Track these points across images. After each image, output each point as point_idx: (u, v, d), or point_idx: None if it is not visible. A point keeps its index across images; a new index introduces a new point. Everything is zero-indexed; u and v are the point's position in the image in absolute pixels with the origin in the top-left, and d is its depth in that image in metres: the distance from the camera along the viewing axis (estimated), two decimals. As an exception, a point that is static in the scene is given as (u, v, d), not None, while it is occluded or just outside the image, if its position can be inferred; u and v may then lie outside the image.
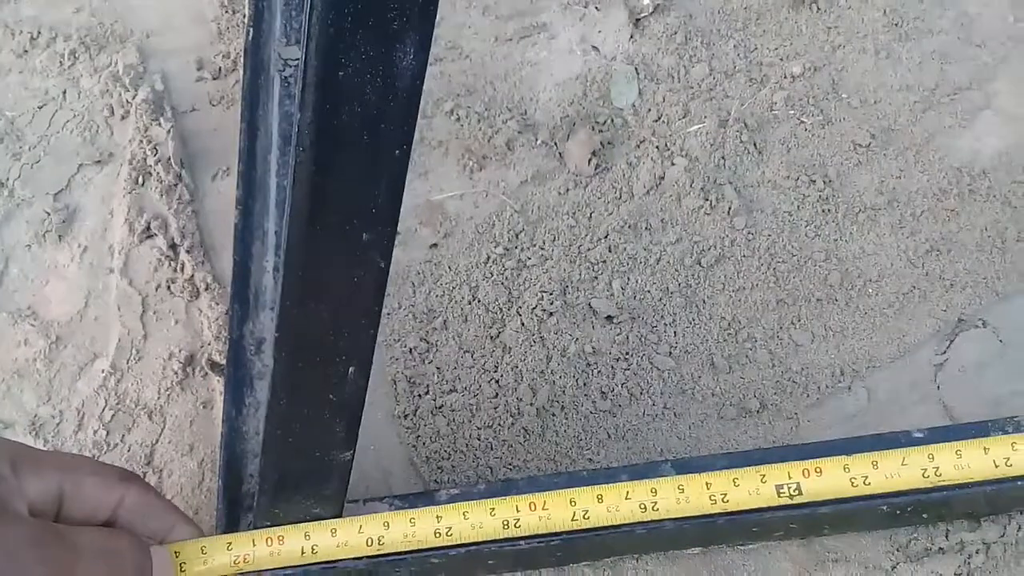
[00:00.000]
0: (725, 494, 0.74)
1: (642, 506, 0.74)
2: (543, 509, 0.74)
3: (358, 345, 0.60)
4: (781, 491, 0.74)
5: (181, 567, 0.70)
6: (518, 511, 0.74)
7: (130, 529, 0.68)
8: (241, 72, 1.12)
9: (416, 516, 0.74)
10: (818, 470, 0.75)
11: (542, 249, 0.99)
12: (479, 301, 0.95)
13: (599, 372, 0.92)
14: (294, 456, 0.68)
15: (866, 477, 0.74)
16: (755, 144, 1.06)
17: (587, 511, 0.74)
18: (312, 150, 0.47)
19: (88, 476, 0.66)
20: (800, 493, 0.74)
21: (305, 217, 0.50)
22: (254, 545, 0.72)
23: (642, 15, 1.17)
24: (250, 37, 1.13)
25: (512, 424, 0.88)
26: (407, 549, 0.74)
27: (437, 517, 0.73)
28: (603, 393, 0.90)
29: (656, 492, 0.74)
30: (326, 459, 0.69)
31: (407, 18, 0.44)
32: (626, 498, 0.74)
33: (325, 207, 0.50)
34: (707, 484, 0.75)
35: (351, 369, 0.61)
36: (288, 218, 0.51)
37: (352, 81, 0.44)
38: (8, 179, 1.04)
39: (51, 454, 0.68)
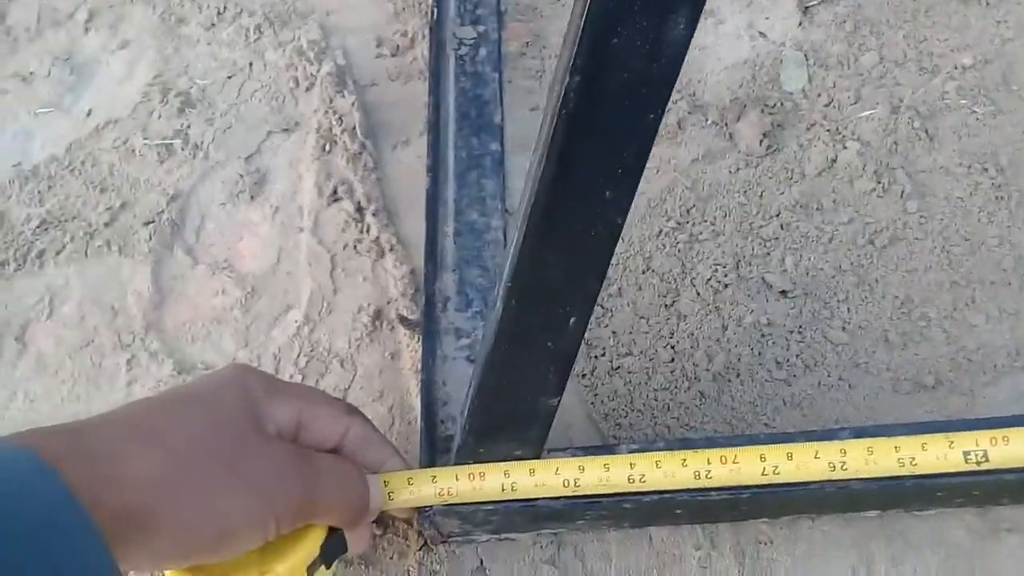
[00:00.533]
0: (913, 458, 0.75)
1: (831, 465, 0.75)
2: (734, 462, 0.76)
3: (583, 296, 0.63)
4: (968, 457, 0.75)
5: (390, 495, 0.74)
6: (709, 463, 0.76)
7: (351, 458, 0.72)
8: (423, 51, 1.17)
9: (610, 462, 0.76)
10: (1005, 439, 0.75)
11: (713, 225, 1.01)
12: (653, 271, 0.98)
13: (774, 343, 0.93)
14: (506, 399, 0.71)
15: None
16: (927, 131, 1.06)
17: (777, 467, 0.75)
18: (575, 110, 0.50)
19: (322, 407, 0.70)
20: (987, 460, 0.75)
21: (553, 173, 0.53)
22: (457, 480, 0.75)
23: (811, 3, 1.19)
24: (434, 17, 1.18)
25: (688, 388, 0.90)
26: (600, 493, 0.76)
27: (631, 464, 0.76)
28: (778, 363, 0.92)
29: (845, 453, 0.75)
30: (535, 404, 0.72)
31: None
32: (816, 457, 0.75)
33: (576, 165, 0.53)
34: (896, 448, 0.75)
35: (572, 319, 0.64)
36: (538, 173, 0.54)
37: (623, 48, 0.47)
38: (203, 142, 1.09)
39: (293, 385, 0.72)
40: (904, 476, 0.76)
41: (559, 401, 0.72)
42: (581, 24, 0.46)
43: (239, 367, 0.69)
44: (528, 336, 0.65)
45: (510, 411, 0.72)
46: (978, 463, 0.75)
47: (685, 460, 0.76)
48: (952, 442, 0.76)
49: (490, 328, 0.66)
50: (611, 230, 0.58)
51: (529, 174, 0.57)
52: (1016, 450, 0.75)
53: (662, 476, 0.76)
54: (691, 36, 0.49)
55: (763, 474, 0.76)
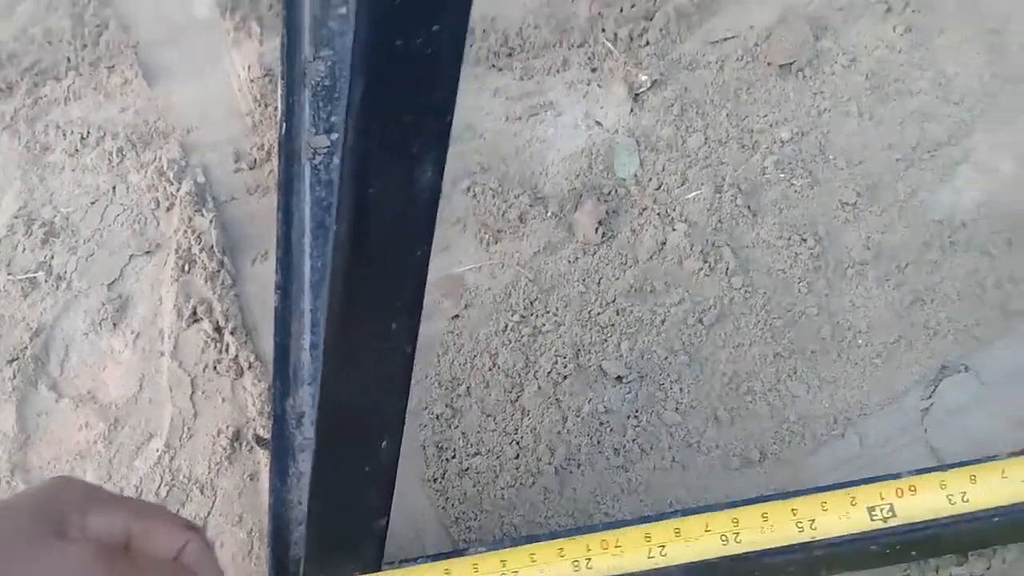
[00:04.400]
0: (812, 520, 0.74)
1: (723, 538, 0.74)
2: (616, 547, 0.74)
3: (389, 420, 0.63)
4: (800, 527, 0.76)
5: None
6: (589, 550, 0.74)
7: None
8: (276, 162, 1.16)
9: (451, 566, 0.76)
10: (825, 504, 0.76)
11: (555, 315, 1.01)
12: (499, 367, 0.98)
13: (611, 430, 0.93)
14: (335, 523, 0.71)
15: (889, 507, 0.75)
16: (749, 207, 1.07)
17: (664, 547, 0.74)
18: (346, 255, 0.51)
19: (158, 520, 0.67)
20: (815, 528, 0.76)
21: (340, 312, 0.54)
22: None
23: (641, 90, 1.20)
24: (283, 130, 1.17)
25: (533, 483, 0.90)
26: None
27: (474, 566, 0.75)
28: (616, 450, 0.92)
29: (738, 522, 0.75)
30: (364, 525, 0.71)
31: (425, 142, 0.49)
32: (706, 530, 0.74)
33: (358, 303, 0.54)
34: (793, 511, 0.75)
35: (384, 442, 0.64)
36: (326, 314, 0.55)
37: (380, 196, 0.49)
38: (66, 272, 1.08)
39: (126, 499, 0.70)
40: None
41: (387, 520, 0.72)
42: (340, 175, 0.47)
43: (59, 478, 0.66)
44: (344, 462, 0.65)
45: (341, 534, 0.72)
46: (884, 520, 0.75)
47: (562, 550, 0.75)
48: (795, 509, 0.76)
49: (310, 458, 0.66)
50: (403, 357, 0.59)
51: (318, 302, 0.57)
52: (837, 521, 0.76)
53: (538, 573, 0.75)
54: (440, 180, 0.50)
55: (649, 556, 0.75)
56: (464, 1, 0.47)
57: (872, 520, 0.75)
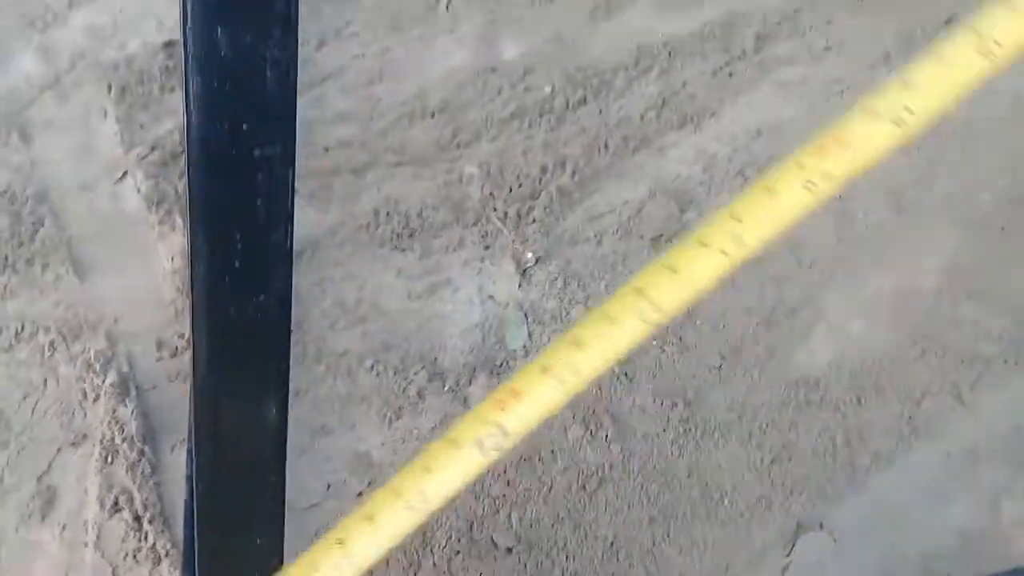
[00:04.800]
0: None
1: None
2: None
3: None
4: None
5: None
6: None
7: None
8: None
9: None
10: None
11: (452, 488, 1.08)
12: (397, 544, 1.04)
13: (502, 601, 1.00)
14: None
15: None
16: (626, 374, 1.16)
17: None
18: (206, 480, 0.59)
19: None
20: None
21: (209, 529, 0.61)
22: None
23: (528, 266, 1.30)
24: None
25: (430, 658, 0.96)
26: None
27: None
28: (506, 620, 0.99)
29: None
30: None
31: (266, 385, 0.57)
32: None
33: (220, 520, 0.61)
34: None
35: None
36: (197, 530, 0.62)
37: (230, 432, 0.56)
38: (-1, 468, 1.13)
39: None
40: None
41: None
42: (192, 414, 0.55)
43: None
44: None
45: None
46: None
47: None
48: None
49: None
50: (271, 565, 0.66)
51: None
52: None
53: None
54: (286, 418, 0.59)
55: None
56: (286, 272, 0.57)
57: None
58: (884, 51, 1.42)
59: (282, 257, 0.54)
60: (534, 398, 0.56)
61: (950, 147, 1.30)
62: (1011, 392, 1.07)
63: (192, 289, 0.53)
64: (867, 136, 0.53)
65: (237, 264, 0.54)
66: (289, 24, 0.51)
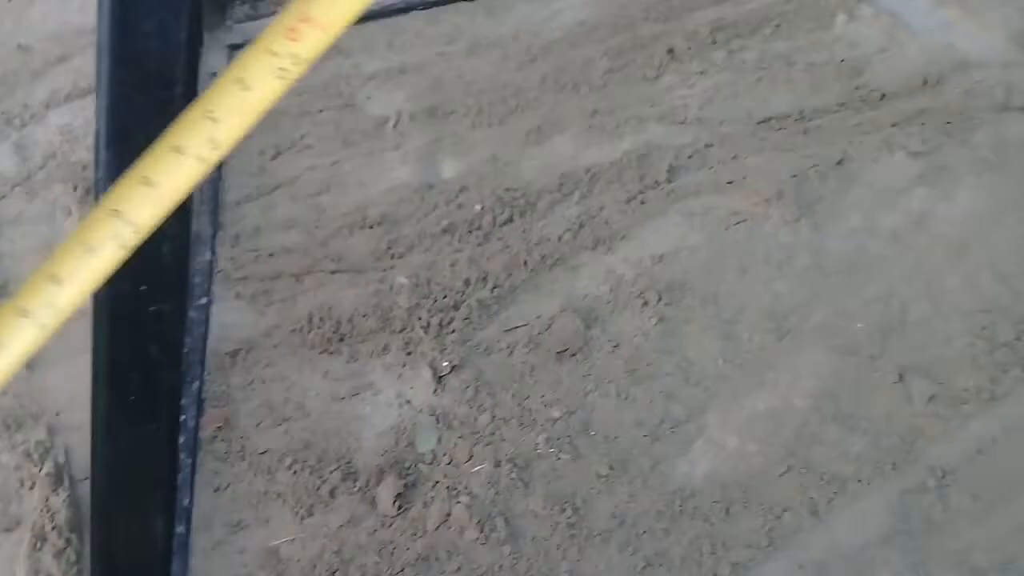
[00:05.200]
0: None
1: None
2: None
3: None
4: None
5: None
6: None
7: None
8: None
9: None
10: None
11: (353, 584, 1.16)
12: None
13: None
14: None
15: None
16: (523, 480, 1.25)
17: None
18: None
19: None
20: None
21: None
22: None
23: (444, 373, 1.40)
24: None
25: None
26: None
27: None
28: None
29: None
30: None
31: (158, 494, 0.65)
32: None
33: None
34: None
35: None
36: None
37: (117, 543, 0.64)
38: (-66, 551, 1.20)
39: None
40: None
41: None
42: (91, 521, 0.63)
43: None
44: None
45: None
46: None
47: None
48: None
49: None
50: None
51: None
52: None
53: None
54: (172, 534, 0.66)
55: None
56: (174, 407, 0.66)
57: None
58: (779, 188, 1.55)
59: (171, 393, 0.64)
60: (11, 343, 0.48)
61: (832, 278, 1.41)
62: (861, 509, 1.16)
63: (92, 416, 0.62)
64: (336, 10, 0.48)
65: (131, 398, 0.64)
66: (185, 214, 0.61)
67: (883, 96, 1.64)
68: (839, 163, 1.55)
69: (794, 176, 1.54)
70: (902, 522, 1.12)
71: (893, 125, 1.59)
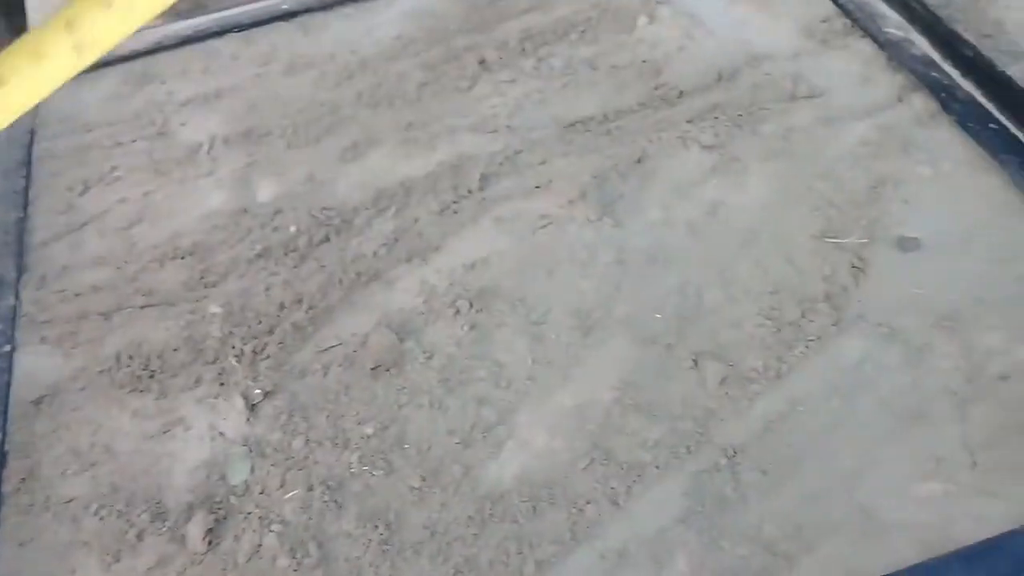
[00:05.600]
0: None
1: None
2: None
3: None
4: None
5: None
6: None
7: None
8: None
9: None
10: None
11: (161, 626, 1.12)
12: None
13: None
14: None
15: None
16: (336, 501, 1.23)
17: None
18: None
19: None
20: None
21: None
22: None
23: (256, 400, 1.37)
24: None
25: None
26: None
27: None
28: None
29: None
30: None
31: None
32: None
33: None
34: None
35: None
36: None
37: None
38: None
39: None
40: None
41: None
42: None
43: None
44: None
45: None
46: None
47: None
48: None
49: None
50: None
51: None
52: None
53: None
54: None
55: None
56: None
57: None
58: (582, 189, 1.58)
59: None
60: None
61: (632, 272, 1.44)
62: (659, 495, 1.19)
63: None
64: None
65: None
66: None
67: (681, 94, 1.69)
68: (638, 161, 1.58)
69: (595, 177, 1.56)
70: (697, 503, 1.16)
71: (689, 121, 1.63)
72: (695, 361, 1.28)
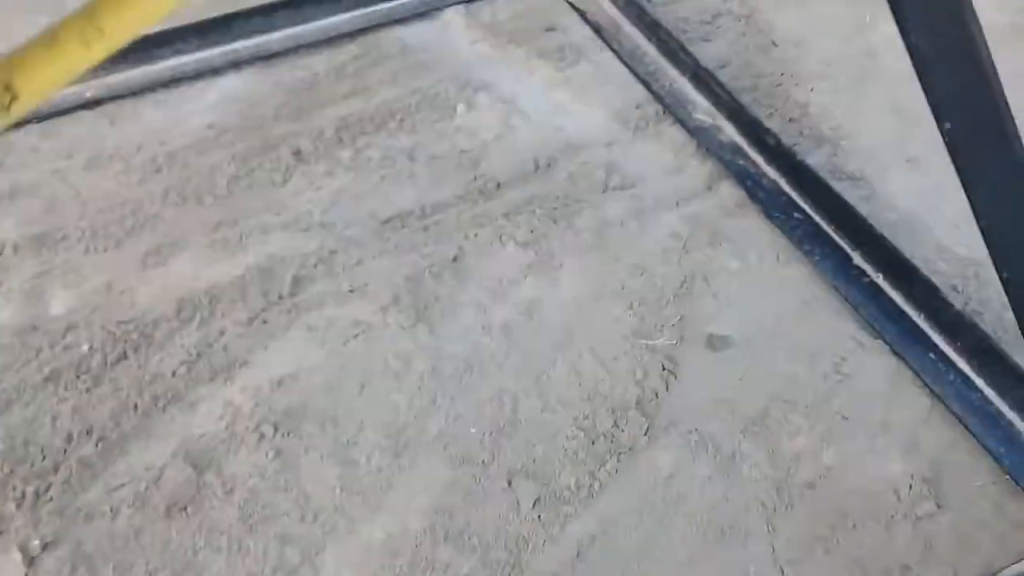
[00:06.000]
0: None
1: None
2: None
3: None
4: None
5: None
6: None
7: None
8: None
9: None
10: None
11: None
12: None
13: None
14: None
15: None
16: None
17: None
18: None
19: None
20: None
21: None
22: None
23: (35, 553, 1.23)
24: None
25: None
26: None
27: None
28: None
29: None
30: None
31: None
32: None
33: None
34: None
35: None
36: None
37: None
38: None
39: None
40: None
41: None
42: None
43: None
44: None
45: None
46: None
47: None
48: None
49: None
50: None
51: None
52: None
53: None
54: None
55: None
56: None
57: None
58: (396, 293, 1.51)
59: None
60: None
61: (447, 383, 1.39)
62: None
63: None
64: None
65: None
66: None
67: (499, 185, 1.66)
68: (454, 259, 1.54)
69: (410, 279, 1.50)
70: (506, 646, 1.10)
71: (505, 215, 1.60)
72: (509, 482, 1.24)
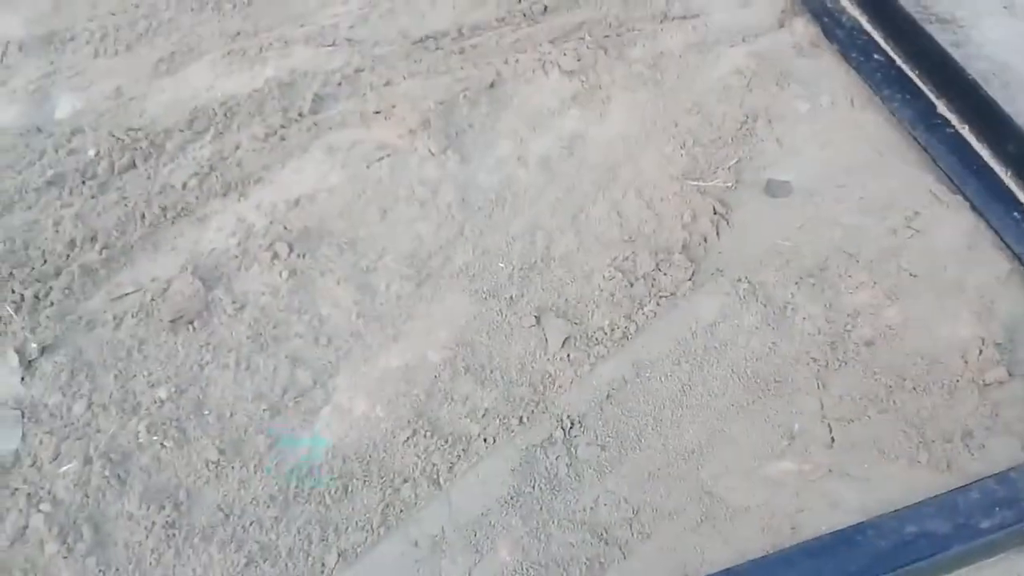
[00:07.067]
0: None
1: None
2: None
3: None
4: None
5: None
6: None
7: None
8: None
9: None
10: None
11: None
12: None
13: None
14: None
15: None
16: (118, 476, 1.08)
17: None
18: None
19: None
20: None
21: None
22: None
23: (33, 356, 1.19)
24: None
25: None
26: None
27: None
28: None
29: None
30: None
31: None
32: None
33: None
34: None
35: None
36: None
37: None
38: None
39: None
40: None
41: None
42: None
43: None
44: None
45: None
46: None
47: None
48: None
49: None
50: None
51: None
52: None
53: None
54: None
55: None
56: None
57: None
58: (425, 118, 1.42)
59: None
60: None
61: (477, 215, 1.30)
62: (483, 473, 1.08)
63: None
64: None
65: None
66: None
67: (545, 8, 1.53)
68: (491, 85, 1.43)
69: (442, 103, 1.40)
70: (526, 482, 1.05)
71: (551, 41, 1.48)
72: (537, 319, 1.17)
